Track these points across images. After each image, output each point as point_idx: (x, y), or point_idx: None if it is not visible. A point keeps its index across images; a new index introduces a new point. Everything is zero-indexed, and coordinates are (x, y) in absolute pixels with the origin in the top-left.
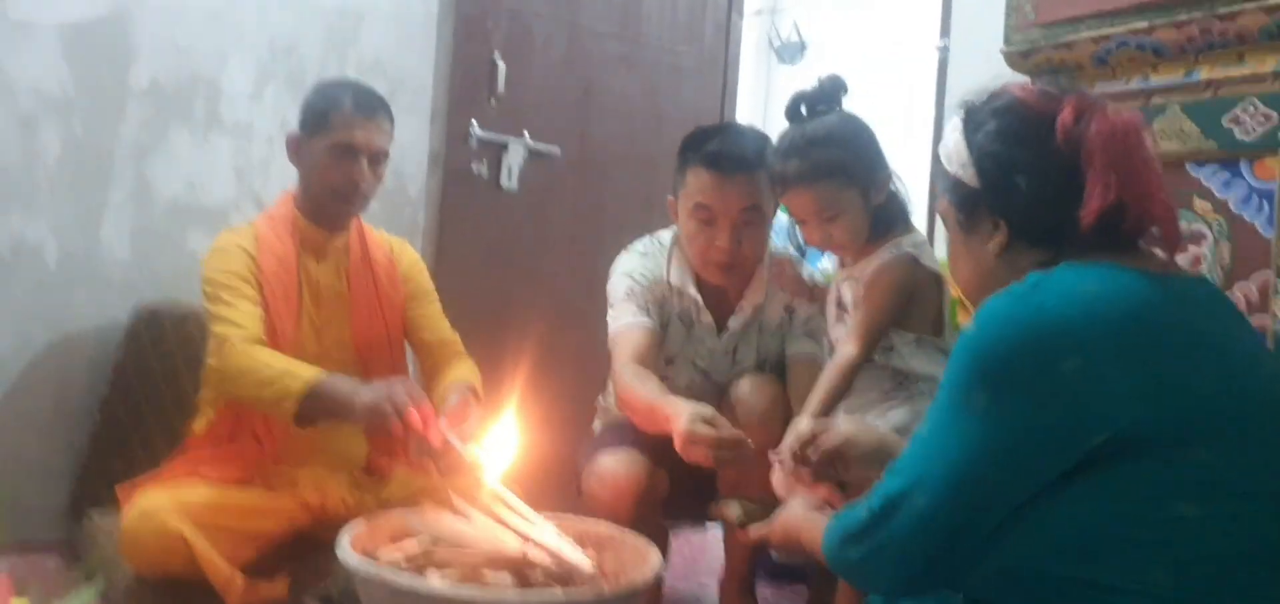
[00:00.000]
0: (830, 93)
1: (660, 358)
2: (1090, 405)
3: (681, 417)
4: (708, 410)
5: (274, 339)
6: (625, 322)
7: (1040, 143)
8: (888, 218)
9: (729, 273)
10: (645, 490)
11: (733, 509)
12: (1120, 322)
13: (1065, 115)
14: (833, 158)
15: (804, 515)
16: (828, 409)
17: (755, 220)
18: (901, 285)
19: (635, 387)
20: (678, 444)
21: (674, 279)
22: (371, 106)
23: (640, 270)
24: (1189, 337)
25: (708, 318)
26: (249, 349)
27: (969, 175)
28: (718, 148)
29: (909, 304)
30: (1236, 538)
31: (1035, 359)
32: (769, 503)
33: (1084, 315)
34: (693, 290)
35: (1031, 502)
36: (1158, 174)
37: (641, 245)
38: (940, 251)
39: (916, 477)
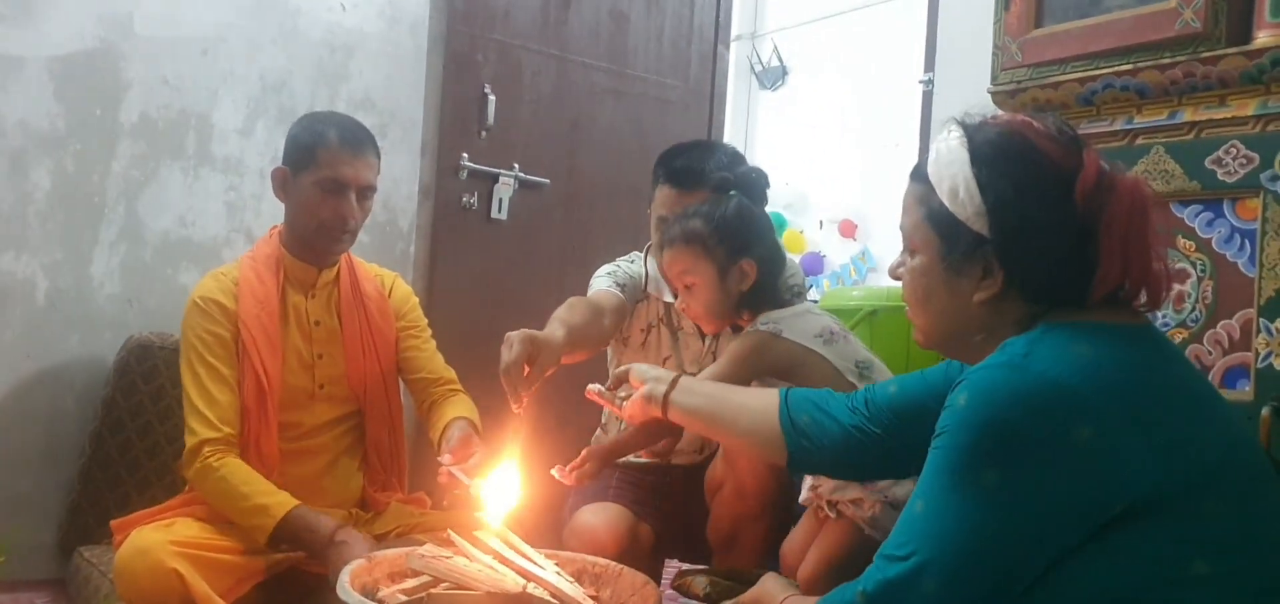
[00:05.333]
0: (746, 182)
1: (621, 322)
2: (1108, 474)
3: (517, 337)
4: (541, 339)
5: (258, 388)
6: (594, 287)
7: (1059, 201)
8: (758, 303)
9: None
10: (627, 546)
11: (699, 584)
12: (1125, 385)
13: (1087, 177)
14: (693, 230)
15: (782, 596)
16: None
17: None
18: (742, 356)
19: (556, 312)
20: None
21: (651, 288)
22: (358, 141)
23: (623, 266)
24: (1184, 390)
25: (690, 323)
26: (224, 469)
27: (980, 224)
28: (680, 164)
29: (774, 378)
30: (1247, 593)
31: (1047, 430)
32: (739, 576)
33: (1089, 381)
34: (670, 296)
35: (1043, 575)
36: (1162, 248)
37: (621, 258)
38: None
39: (921, 561)
